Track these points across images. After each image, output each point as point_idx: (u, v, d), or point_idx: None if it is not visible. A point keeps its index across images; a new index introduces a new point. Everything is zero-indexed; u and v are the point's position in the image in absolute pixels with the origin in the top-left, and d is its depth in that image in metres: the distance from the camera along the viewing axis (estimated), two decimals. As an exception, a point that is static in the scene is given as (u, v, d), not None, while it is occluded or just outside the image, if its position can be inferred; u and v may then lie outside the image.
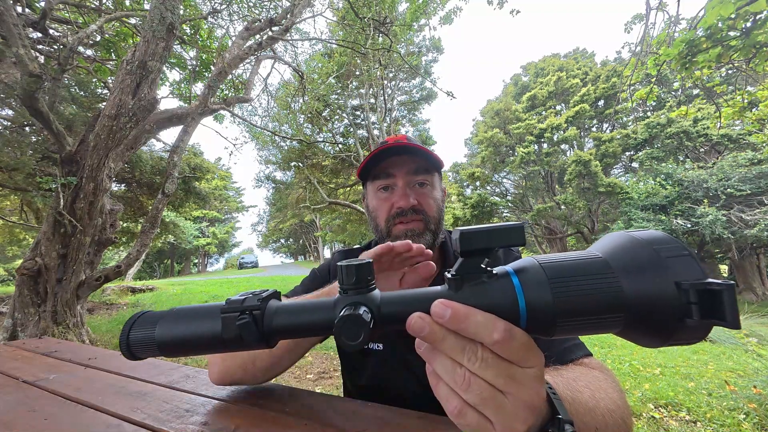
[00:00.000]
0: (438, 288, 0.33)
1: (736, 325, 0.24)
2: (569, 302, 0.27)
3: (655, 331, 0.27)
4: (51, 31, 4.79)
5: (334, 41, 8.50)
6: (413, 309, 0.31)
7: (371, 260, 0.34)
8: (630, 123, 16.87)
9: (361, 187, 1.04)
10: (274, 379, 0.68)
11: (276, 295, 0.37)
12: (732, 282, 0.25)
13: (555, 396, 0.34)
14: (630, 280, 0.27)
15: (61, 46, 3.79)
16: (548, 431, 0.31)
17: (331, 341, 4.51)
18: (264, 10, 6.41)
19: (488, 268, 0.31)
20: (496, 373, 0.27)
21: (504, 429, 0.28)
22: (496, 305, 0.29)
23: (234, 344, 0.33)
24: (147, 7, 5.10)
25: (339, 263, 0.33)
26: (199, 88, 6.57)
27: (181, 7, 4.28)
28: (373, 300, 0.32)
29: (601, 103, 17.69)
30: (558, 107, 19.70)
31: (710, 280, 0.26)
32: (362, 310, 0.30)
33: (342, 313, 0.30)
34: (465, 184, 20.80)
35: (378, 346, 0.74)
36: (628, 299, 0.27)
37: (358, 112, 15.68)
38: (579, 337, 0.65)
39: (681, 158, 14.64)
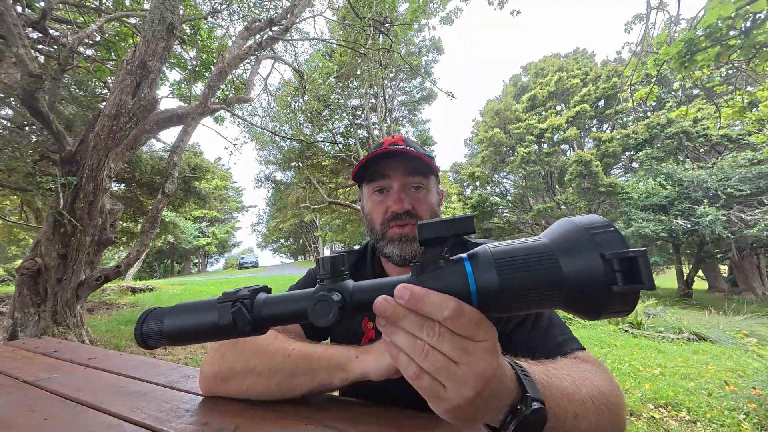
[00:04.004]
0: (403, 276, 0.37)
1: (651, 286, 0.28)
2: (513, 282, 0.31)
3: (591, 301, 0.31)
4: (51, 31, 4.79)
5: (334, 41, 8.50)
6: (380, 294, 0.35)
7: (345, 253, 0.39)
8: (630, 123, 16.87)
9: None
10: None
11: (266, 289, 0.42)
12: (644, 248, 0.29)
13: (526, 377, 0.38)
14: (567, 259, 0.31)
15: (61, 46, 3.79)
16: (518, 408, 0.35)
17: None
18: (264, 10, 6.41)
19: (447, 256, 0.35)
20: (451, 346, 0.31)
21: (454, 393, 0.32)
22: (450, 287, 0.33)
23: (229, 331, 0.38)
24: (147, 7, 5.10)
25: (317, 258, 0.39)
26: (199, 88, 6.58)
27: (181, 7, 4.28)
28: (345, 287, 0.37)
29: (601, 103, 17.69)
30: (558, 107, 19.70)
31: (628, 249, 0.29)
32: (334, 294, 0.35)
33: (315, 296, 0.35)
34: (465, 184, 20.81)
35: None
36: (566, 276, 0.30)
37: (358, 112, 15.67)
38: (572, 332, 0.66)
39: (681, 158, 14.64)
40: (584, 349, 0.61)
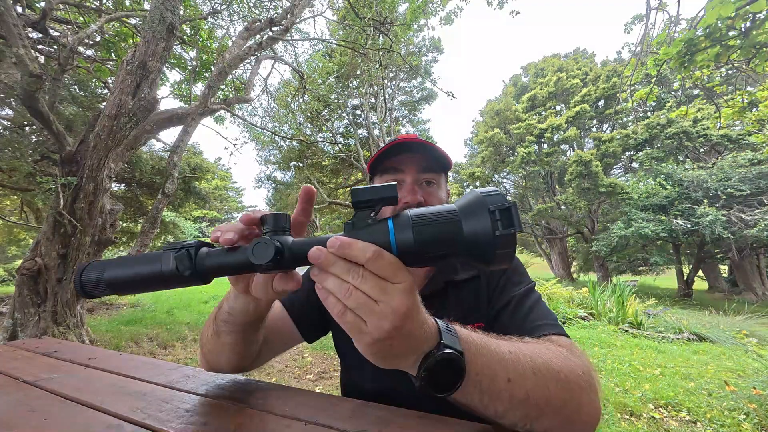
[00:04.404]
0: (336, 234, 0.42)
1: (520, 227, 0.37)
2: (425, 237, 0.38)
3: (485, 249, 0.38)
4: (51, 31, 4.79)
5: (334, 41, 8.50)
6: (315, 246, 0.40)
7: (288, 214, 0.44)
8: (630, 123, 16.86)
9: None
10: (274, 379, 0.68)
11: (209, 244, 0.45)
12: (514, 201, 0.38)
13: (448, 330, 0.42)
14: (467, 218, 0.38)
15: (61, 46, 3.79)
16: (430, 352, 0.40)
17: (328, 340, 4.51)
18: (264, 10, 6.41)
19: (375, 217, 0.41)
20: (371, 285, 0.36)
21: (374, 326, 0.36)
22: (375, 241, 0.39)
23: (172, 277, 0.41)
24: (147, 7, 5.10)
25: (261, 215, 0.43)
26: (199, 88, 6.58)
27: (181, 7, 4.28)
28: (285, 240, 0.41)
29: (601, 103, 17.69)
30: (558, 107, 19.69)
31: (505, 202, 0.38)
32: (273, 241, 0.39)
33: (254, 241, 0.39)
34: (465, 184, 20.80)
35: None
36: (465, 231, 0.38)
37: (358, 112, 15.67)
38: (572, 331, 0.66)
39: (681, 158, 14.64)
40: (566, 335, 0.60)
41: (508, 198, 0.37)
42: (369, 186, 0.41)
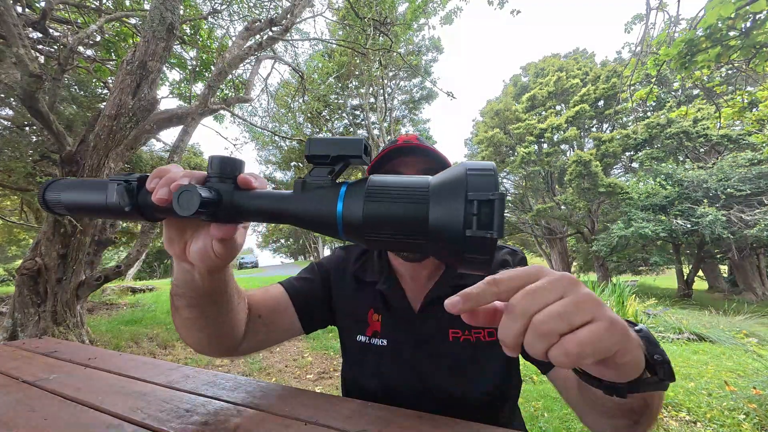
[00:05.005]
0: (286, 192, 0.36)
1: (500, 234, 0.27)
2: (376, 215, 0.30)
3: (450, 247, 0.29)
4: (51, 31, 4.79)
5: (334, 41, 8.50)
6: (264, 202, 0.35)
7: (243, 161, 0.38)
8: (630, 123, 16.86)
9: None
10: (274, 379, 0.68)
11: None
12: (504, 193, 0.27)
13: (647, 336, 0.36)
14: (437, 203, 0.29)
15: (61, 46, 3.80)
16: (654, 356, 0.34)
17: (328, 341, 4.51)
18: (264, 10, 6.42)
19: (333, 178, 0.34)
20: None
21: (599, 313, 0.30)
22: (319, 210, 0.33)
23: (115, 209, 0.38)
24: (147, 7, 5.10)
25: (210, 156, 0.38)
26: (199, 88, 6.57)
27: (181, 7, 4.28)
28: (226, 189, 0.36)
29: (601, 103, 17.68)
30: (558, 107, 19.69)
31: (492, 192, 0.28)
32: (206, 191, 0.34)
33: (180, 188, 0.33)
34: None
35: (382, 342, 0.74)
36: (431, 221, 0.29)
37: (357, 112, 15.68)
38: None
39: (681, 158, 14.64)
40: None
41: (503, 187, 0.27)
42: (330, 137, 0.34)
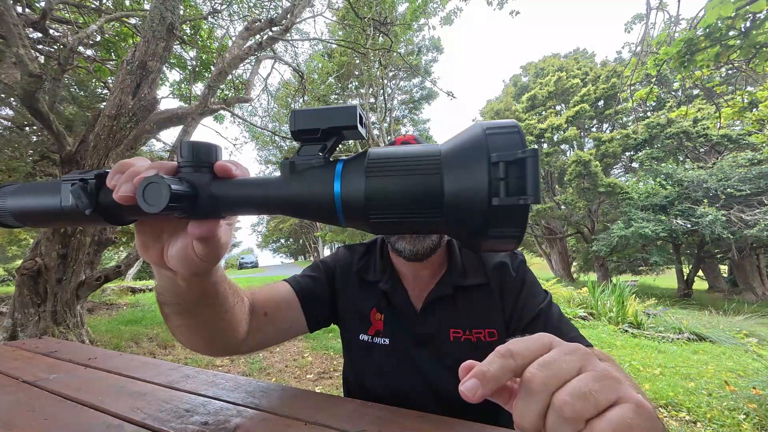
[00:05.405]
0: (273, 176, 0.32)
1: (537, 198, 0.23)
2: (382, 192, 0.26)
3: (472, 222, 0.25)
4: (51, 31, 4.80)
5: (334, 41, 8.50)
6: (249, 192, 0.31)
7: (219, 146, 0.33)
8: (630, 123, 16.87)
9: None
10: (274, 379, 0.68)
11: None
12: (536, 148, 0.23)
13: None
14: (451, 170, 0.25)
15: (61, 46, 3.79)
16: None
17: (328, 341, 4.51)
18: (264, 10, 6.42)
19: (326, 155, 0.30)
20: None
21: (624, 392, 0.27)
22: (313, 191, 0.29)
23: (76, 217, 0.33)
24: (147, 7, 5.10)
25: (182, 141, 0.33)
26: (199, 88, 6.58)
27: (181, 7, 4.28)
28: (202, 179, 0.31)
29: (601, 103, 17.68)
30: (558, 107, 19.70)
31: (523, 149, 0.23)
32: (177, 182, 0.29)
33: (146, 179, 0.28)
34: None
35: (384, 341, 0.74)
36: (447, 193, 0.25)
37: (358, 112, 15.67)
38: (581, 333, 0.67)
39: (681, 158, 14.64)
40: (592, 346, 0.62)
41: (530, 144, 0.24)
42: (317, 108, 0.30)
